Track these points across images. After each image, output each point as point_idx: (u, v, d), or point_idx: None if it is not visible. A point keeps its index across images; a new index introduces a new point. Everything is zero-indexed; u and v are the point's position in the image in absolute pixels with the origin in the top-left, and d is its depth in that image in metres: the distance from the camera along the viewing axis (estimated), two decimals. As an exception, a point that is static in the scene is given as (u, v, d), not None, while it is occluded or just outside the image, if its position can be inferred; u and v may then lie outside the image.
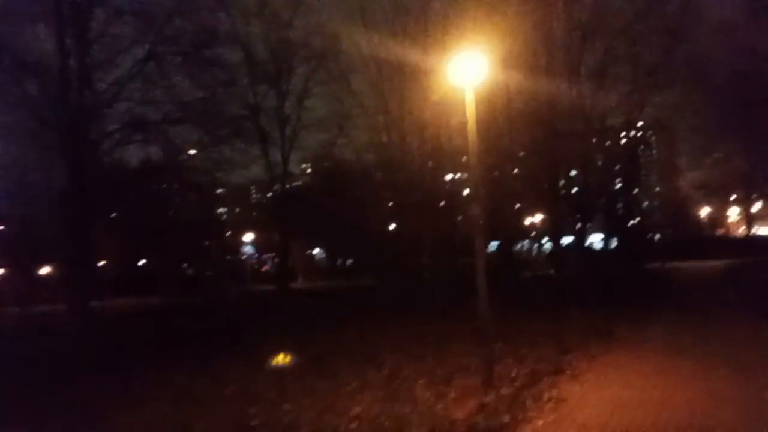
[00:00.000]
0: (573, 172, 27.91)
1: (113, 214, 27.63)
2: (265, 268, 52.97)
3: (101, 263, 31.47)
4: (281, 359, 9.73)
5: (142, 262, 41.58)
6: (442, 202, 28.56)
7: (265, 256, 53.69)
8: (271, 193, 34.00)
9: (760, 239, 46.81)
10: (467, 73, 7.42)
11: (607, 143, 30.60)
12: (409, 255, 26.14)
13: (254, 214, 49.55)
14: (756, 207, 46.88)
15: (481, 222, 7.88)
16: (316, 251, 55.55)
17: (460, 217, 29.43)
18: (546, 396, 7.08)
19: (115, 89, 17.57)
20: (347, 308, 19.34)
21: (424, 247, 26.28)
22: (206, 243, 38.74)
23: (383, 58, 23.81)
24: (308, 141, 30.16)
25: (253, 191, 49.17)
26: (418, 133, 24.98)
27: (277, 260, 38.89)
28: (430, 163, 26.66)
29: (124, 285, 34.21)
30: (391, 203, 30.96)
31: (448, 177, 31.96)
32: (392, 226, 31.62)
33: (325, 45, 26.10)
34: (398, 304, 18.27)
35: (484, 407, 6.61)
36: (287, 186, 31.07)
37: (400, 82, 24.06)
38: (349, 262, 50.60)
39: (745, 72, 25.72)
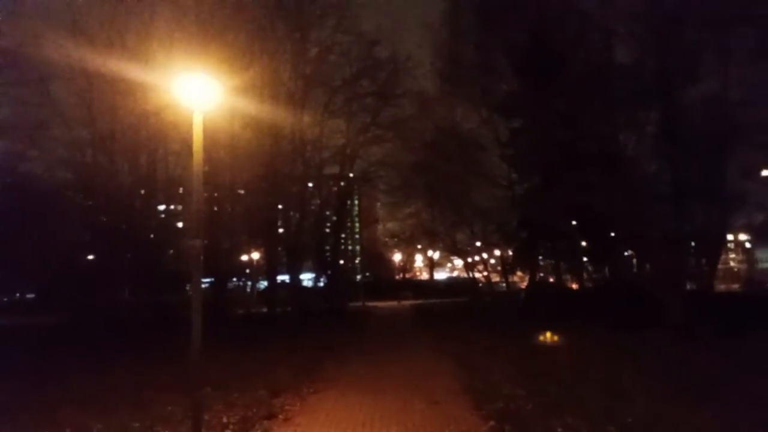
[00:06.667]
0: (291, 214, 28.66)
1: None
2: None
3: None
4: None
5: None
6: (152, 234, 26.28)
7: None
8: None
9: (437, 282, 58.52)
10: (197, 94, 6.89)
11: (323, 190, 32.62)
12: (106, 289, 23.20)
13: None
14: (436, 255, 55.87)
15: (201, 256, 7.27)
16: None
17: (171, 251, 27.54)
18: (259, 444, 6.71)
19: None
20: (20, 352, 15.93)
21: (124, 281, 23.67)
22: None
23: (94, 69, 21.16)
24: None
25: None
26: (131, 156, 22.74)
27: None
28: (142, 190, 24.39)
29: None
30: (89, 232, 27.20)
31: (161, 207, 29.67)
32: (89, 257, 27.75)
33: (19, 44, 22.01)
34: (89, 346, 15.84)
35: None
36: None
37: (112, 97, 21.63)
38: (31, 295, 42.76)
39: (434, 142, 30.22)
